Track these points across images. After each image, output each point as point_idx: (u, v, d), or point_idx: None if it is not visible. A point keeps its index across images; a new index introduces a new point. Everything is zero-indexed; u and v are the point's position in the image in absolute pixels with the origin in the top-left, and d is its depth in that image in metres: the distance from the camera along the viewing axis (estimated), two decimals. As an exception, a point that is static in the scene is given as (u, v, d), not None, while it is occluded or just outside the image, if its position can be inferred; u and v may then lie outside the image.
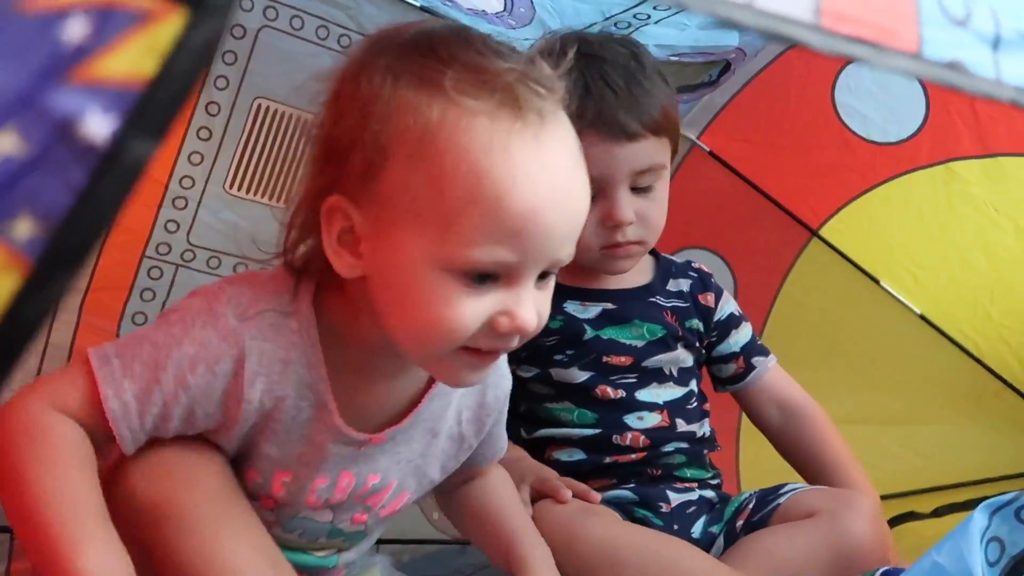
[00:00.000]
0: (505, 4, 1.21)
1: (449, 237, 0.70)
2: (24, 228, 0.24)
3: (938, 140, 1.43)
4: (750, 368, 1.28)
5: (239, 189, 1.24)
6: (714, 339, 1.28)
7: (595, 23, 1.25)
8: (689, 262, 1.32)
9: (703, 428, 1.24)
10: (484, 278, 0.72)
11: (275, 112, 1.24)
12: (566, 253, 0.74)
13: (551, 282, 0.77)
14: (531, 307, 0.73)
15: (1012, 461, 1.55)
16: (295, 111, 1.24)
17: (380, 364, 0.82)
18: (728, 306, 1.29)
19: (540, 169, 0.70)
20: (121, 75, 0.24)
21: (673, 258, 1.32)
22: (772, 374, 1.29)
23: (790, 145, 1.51)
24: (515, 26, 1.22)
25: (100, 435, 0.76)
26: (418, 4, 1.21)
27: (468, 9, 1.19)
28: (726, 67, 1.42)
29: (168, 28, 0.25)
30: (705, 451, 1.24)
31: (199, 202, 1.22)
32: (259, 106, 1.23)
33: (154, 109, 0.25)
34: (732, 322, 1.28)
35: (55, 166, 0.24)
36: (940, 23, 0.40)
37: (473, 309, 0.72)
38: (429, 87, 0.71)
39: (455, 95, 0.70)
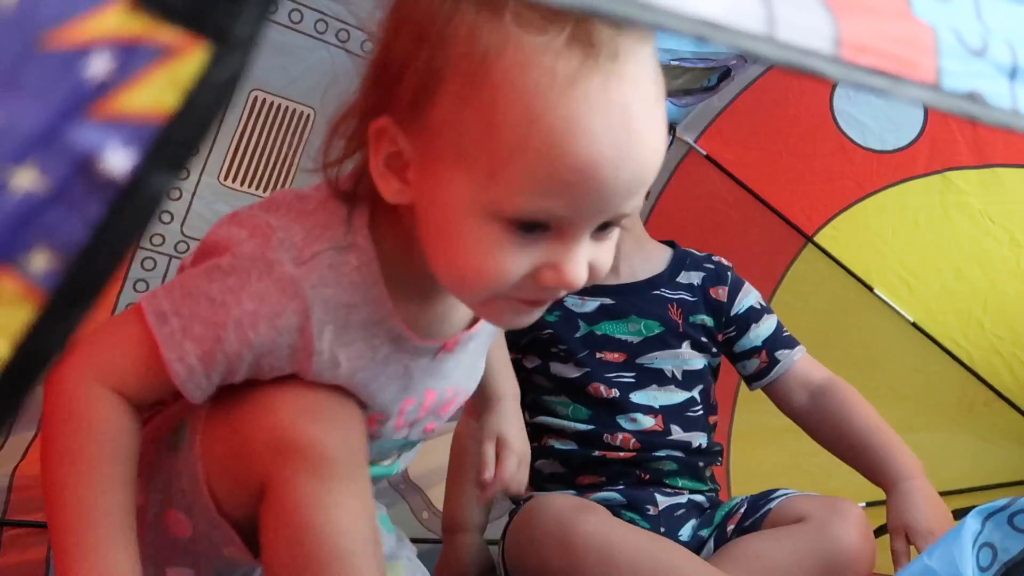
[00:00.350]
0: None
1: (496, 182, 0.64)
2: (40, 261, 0.24)
3: (935, 149, 1.43)
4: (774, 362, 1.24)
5: (234, 181, 1.24)
6: (732, 334, 1.25)
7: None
8: (709, 255, 1.29)
9: (702, 439, 1.22)
10: (532, 227, 0.66)
11: (271, 104, 1.23)
12: (631, 206, 0.67)
13: (614, 233, 0.70)
14: (581, 262, 0.67)
15: (1002, 470, 1.56)
16: (291, 103, 1.24)
17: (439, 285, 0.76)
18: (748, 299, 1.26)
19: (605, 118, 0.63)
20: (143, 110, 0.24)
21: (692, 250, 1.29)
22: (799, 366, 1.25)
23: (787, 151, 1.51)
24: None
25: (158, 393, 0.75)
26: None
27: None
28: (726, 72, 1.42)
29: (191, 62, 0.24)
30: (702, 463, 1.23)
31: (193, 193, 1.21)
32: (255, 98, 1.22)
33: (174, 143, 0.24)
34: (752, 316, 1.25)
35: (74, 200, 0.24)
36: (958, 54, 0.40)
37: (517, 260, 0.67)
38: (490, 15, 0.63)
39: (515, 27, 0.63)
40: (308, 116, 1.25)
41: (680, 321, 1.22)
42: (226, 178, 1.23)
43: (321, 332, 0.73)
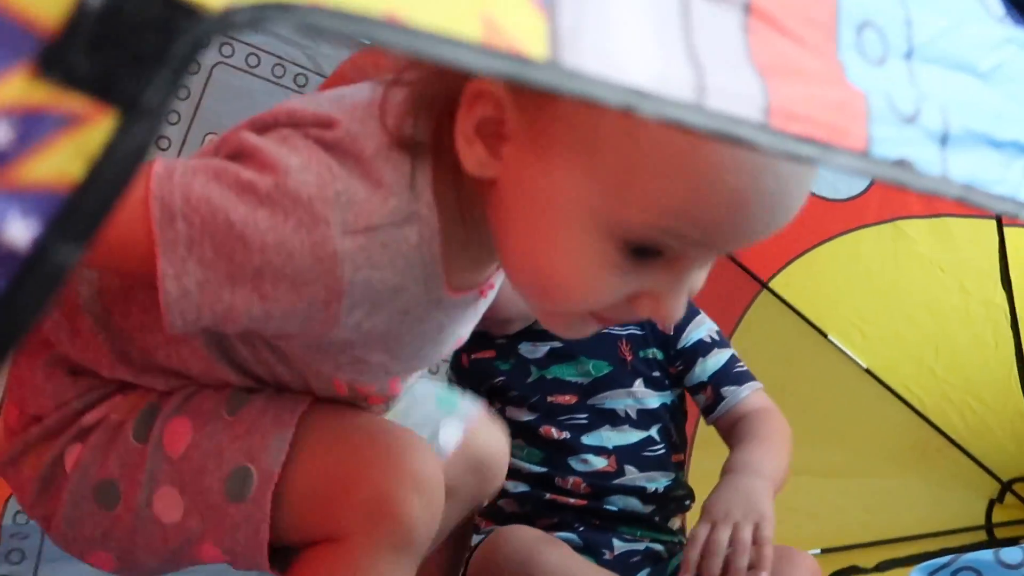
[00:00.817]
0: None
1: (627, 197, 0.55)
2: (-64, 334, 0.23)
3: (886, 199, 1.45)
4: (719, 399, 1.20)
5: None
6: (680, 368, 1.22)
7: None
8: None
9: (663, 480, 1.20)
10: (646, 252, 0.58)
11: (227, 148, 1.22)
12: (759, 241, 0.60)
13: (713, 260, 0.63)
14: (684, 295, 0.61)
15: (955, 516, 1.57)
16: (248, 148, 1.23)
17: (488, 247, 0.68)
18: (698, 332, 1.22)
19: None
20: (46, 180, 0.23)
21: None
22: (747, 403, 1.20)
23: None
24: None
25: (127, 273, 0.67)
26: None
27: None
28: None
29: (98, 131, 0.24)
30: (659, 512, 1.21)
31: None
32: (211, 142, 1.22)
33: (80, 214, 0.24)
34: (701, 349, 1.21)
35: (-29, 273, 0.23)
36: (889, 120, 0.40)
37: (618, 284, 0.59)
38: None
39: None
40: (262, 160, 1.24)
41: (630, 358, 1.21)
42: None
43: (351, 311, 0.65)
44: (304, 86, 1.24)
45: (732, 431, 1.19)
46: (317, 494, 0.72)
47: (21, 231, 0.23)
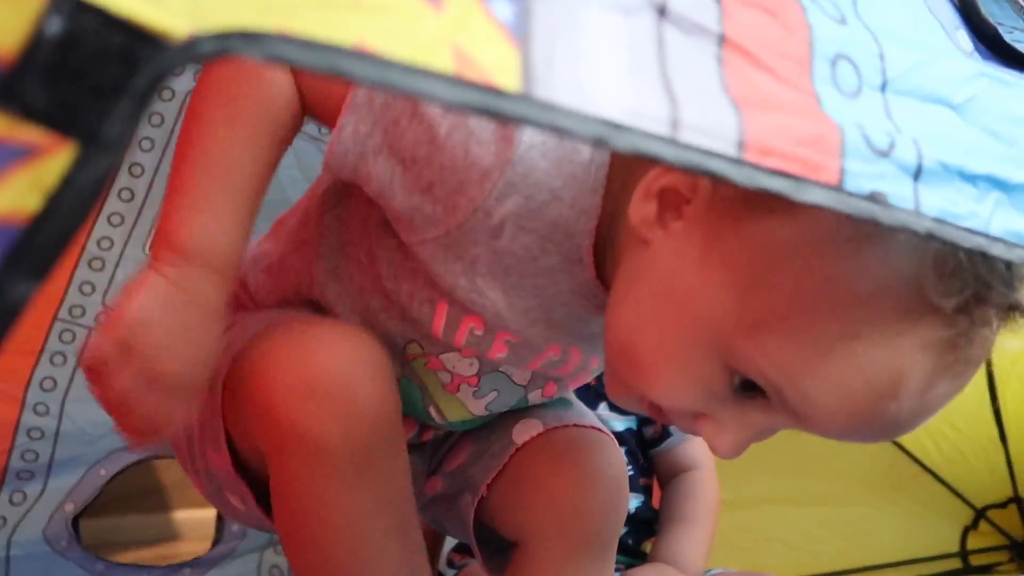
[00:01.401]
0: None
1: (762, 340, 0.52)
2: None
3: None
4: (666, 435, 1.22)
5: (161, 251, 1.21)
6: None
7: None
8: None
9: (631, 503, 1.17)
10: (747, 388, 0.55)
11: (201, 174, 1.21)
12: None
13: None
14: (749, 444, 0.58)
15: (930, 544, 1.57)
16: (221, 175, 1.22)
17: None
18: None
19: (926, 383, 0.52)
20: (1, 213, 0.22)
21: None
22: (687, 451, 1.22)
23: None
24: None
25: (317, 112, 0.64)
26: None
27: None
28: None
29: (56, 163, 0.23)
30: (630, 538, 1.20)
31: (117, 264, 1.18)
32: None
33: (36, 248, 0.23)
34: None
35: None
36: (863, 154, 0.40)
37: (702, 400, 0.56)
38: None
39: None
40: (236, 187, 1.23)
41: (594, 382, 1.21)
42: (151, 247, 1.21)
43: (504, 199, 0.60)
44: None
45: (667, 492, 1.22)
46: (235, 395, 0.66)
47: (-27, 267, 0.22)
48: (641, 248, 0.58)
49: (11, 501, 1.19)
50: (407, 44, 0.29)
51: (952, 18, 0.54)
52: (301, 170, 1.17)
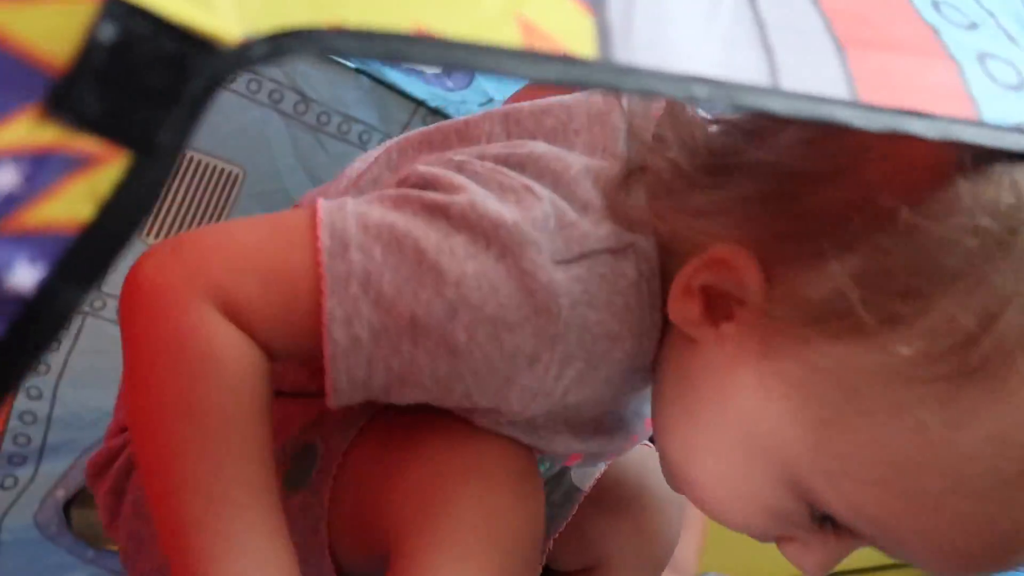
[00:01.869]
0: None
1: (837, 482, 0.45)
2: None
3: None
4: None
5: (156, 237, 1.21)
6: None
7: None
8: None
9: None
10: (828, 519, 0.48)
11: (197, 163, 1.21)
12: None
13: None
14: (838, 562, 0.51)
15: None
16: (220, 163, 1.21)
17: None
18: None
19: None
20: (55, 222, 0.22)
21: None
22: None
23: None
24: (453, 88, 1.22)
25: (287, 351, 0.49)
26: (352, 66, 1.20)
27: (407, 68, 1.18)
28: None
29: (109, 172, 0.23)
30: None
31: (114, 250, 1.18)
32: (182, 156, 1.20)
33: (87, 256, 0.23)
34: None
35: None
36: (989, 89, 0.36)
37: (775, 527, 0.50)
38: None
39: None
40: (237, 176, 1.23)
41: None
42: (149, 235, 1.20)
43: (564, 370, 0.50)
44: (279, 102, 1.22)
45: None
46: (369, 503, 0.56)
47: (27, 276, 0.22)
48: (688, 345, 0.50)
49: (2, 486, 1.18)
50: (468, 21, 0.27)
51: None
52: (298, 158, 1.17)
